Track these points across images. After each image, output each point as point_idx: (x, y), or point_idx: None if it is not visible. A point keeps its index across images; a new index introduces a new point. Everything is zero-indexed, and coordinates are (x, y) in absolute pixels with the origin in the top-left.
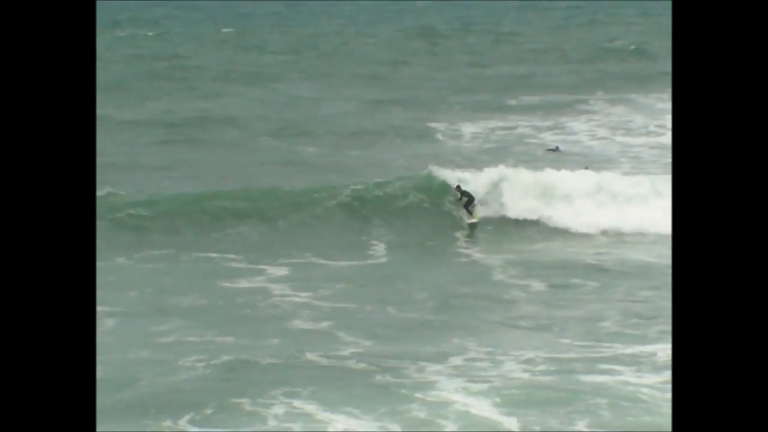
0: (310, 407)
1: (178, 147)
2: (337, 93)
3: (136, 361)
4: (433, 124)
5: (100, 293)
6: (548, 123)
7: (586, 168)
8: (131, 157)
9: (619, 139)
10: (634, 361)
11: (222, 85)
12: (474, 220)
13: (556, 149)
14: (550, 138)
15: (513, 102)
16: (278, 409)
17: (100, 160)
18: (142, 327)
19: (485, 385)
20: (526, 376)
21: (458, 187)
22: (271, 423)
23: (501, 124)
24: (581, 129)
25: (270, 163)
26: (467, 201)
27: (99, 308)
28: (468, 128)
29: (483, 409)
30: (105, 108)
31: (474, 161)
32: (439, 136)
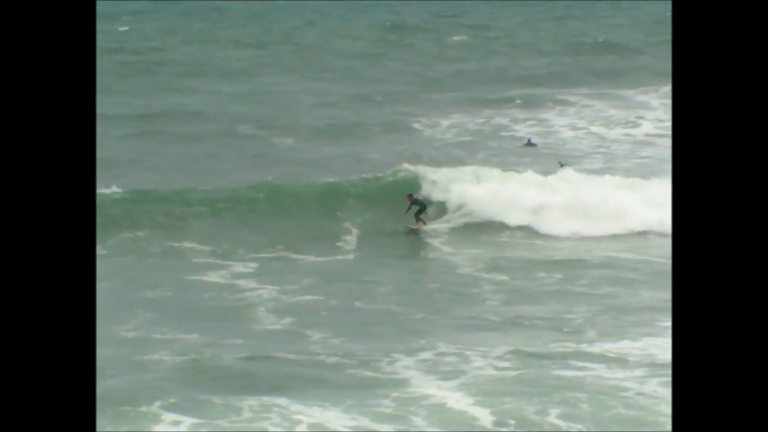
0: (282, 401)
1: (149, 140)
2: (312, 87)
3: (102, 356)
4: (408, 118)
5: None
6: (524, 116)
7: (561, 164)
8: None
9: (595, 131)
10: (606, 358)
11: (195, 80)
12: (416, 227)
13: (530, 143)
14: (526, 132)
15: (489, 96)
16: (250, 403)
17: None
18: (109, 321)
19: (456, 380)
20: (496, 370)
21: (410, 195)
22: (245, 415)
23: (476, 118)
24: (557, 123)
25: (244, 157)
26: (419, 209)
27: None
28: (444, 122)
29: (456, 402)
30: None
31: (449, 156)
32: (415, 130)
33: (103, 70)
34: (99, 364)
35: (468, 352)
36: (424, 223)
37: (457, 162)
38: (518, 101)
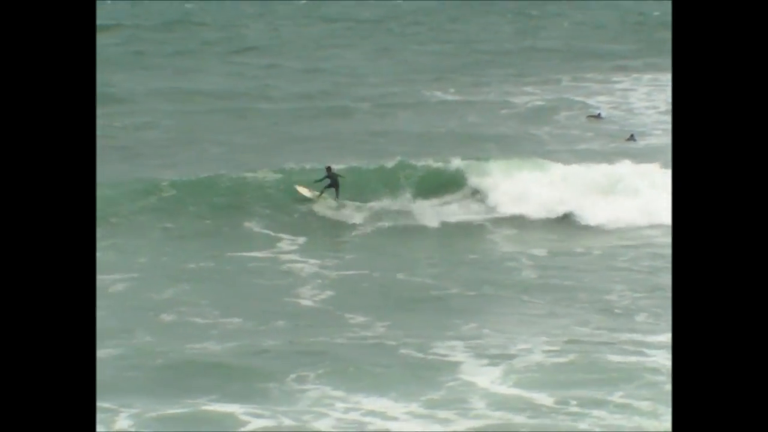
0: (327, 388)
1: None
2: (376, 63)
3: (147, 336)
4: (476, 92)
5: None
6: (596, 89)
7: (631, 137)
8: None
9: (662, 106)
10: (656, 343)
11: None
12: (308, 195)
13: (599, 116)
14: (596, 104)
15: (558, 70)
16: (303, 388)
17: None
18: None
19: (506, 364)
20: (545, 354)
21: (329, 168)
22: (304, 404)
23: (547, 93)
24: (627, 96)
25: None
26: (330, 183)
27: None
28: (516, 98)
29: (507, 387)
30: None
31: (516, 131)
32: (487, 103)
33: (179, 46)
34: (145, 348)
35: (515, 335)
36: (317, 192)
37: (523, 138)
38: (589, 75)
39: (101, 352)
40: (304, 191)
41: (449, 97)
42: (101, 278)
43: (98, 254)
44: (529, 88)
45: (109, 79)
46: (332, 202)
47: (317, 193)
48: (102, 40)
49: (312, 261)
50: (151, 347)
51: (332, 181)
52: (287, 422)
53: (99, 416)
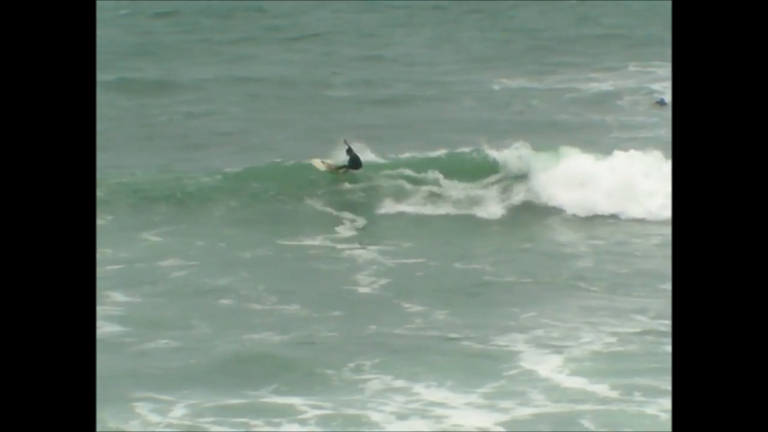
0: (387, 377)
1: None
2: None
3: (205, 326)
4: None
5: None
6: (656, 76)
7: (661, 101)
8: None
9: None
10: None
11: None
12: (323, 169)
13: (662, 102)
14: (658, 90)
15: (620, 59)
16: (364, 378)
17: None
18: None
19: (565, 353)
20: (605, 346)
21: (345, 141)
22: (363, 395)
23: (609, 80)
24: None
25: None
26: (351, 163)
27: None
28: (580, 84)
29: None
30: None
31: (581, 117)
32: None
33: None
34: (203, 338)
35: (575, 324)
36: (338, 169)
37: (586, 125)
38: (654, 61)
39: (158, 342)
40: (319, 165)
41: (513, 84)
42: (159, 264)
43: (156, 239)
44: (592, 75)
45: (170, 66)
46: (395, 187)
47: (335, 166)
48: (161, 27)
49: (371, 248)
50: (209, 337)
51: (353, 158)
52: (347, 412)
53: (155, 406)
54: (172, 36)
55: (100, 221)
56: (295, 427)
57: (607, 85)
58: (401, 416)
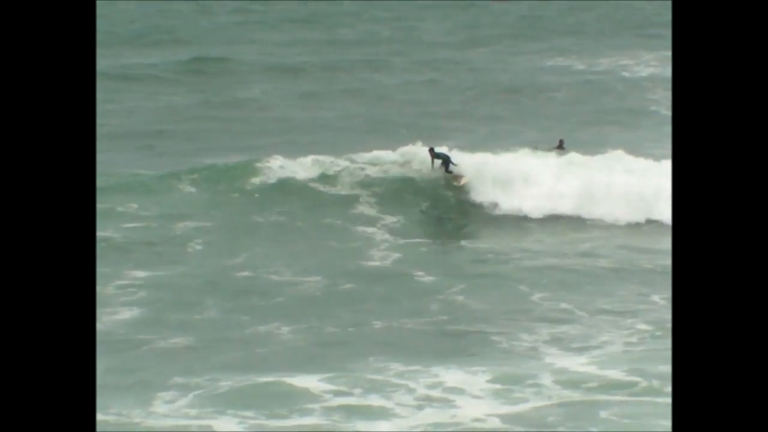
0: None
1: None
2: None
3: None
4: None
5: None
6: None
7: (560, 144)
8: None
9: None
10: None
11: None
12: (464, 181)
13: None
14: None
15: None
16: (393, 366)
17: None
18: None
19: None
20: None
21: (431, 149)
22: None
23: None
24: None
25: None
26: (444, 163)
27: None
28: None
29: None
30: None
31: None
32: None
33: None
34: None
35: (596, 320)
36: (456, 174)
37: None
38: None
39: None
40: (460, 181)
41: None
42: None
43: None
44: None
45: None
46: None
47: (454, 175)
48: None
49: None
50: (223, 320)
51: (443, 159)
52: (363, 394)
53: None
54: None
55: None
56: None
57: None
58: (421, 399)
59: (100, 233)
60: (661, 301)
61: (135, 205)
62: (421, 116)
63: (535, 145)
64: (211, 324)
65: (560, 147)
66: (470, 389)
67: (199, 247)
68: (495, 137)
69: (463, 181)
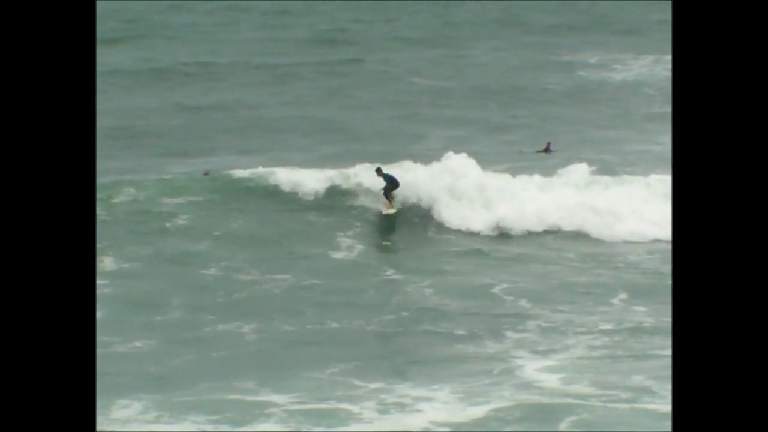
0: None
1: None
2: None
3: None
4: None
5: None
6: None
7: (547, 147)
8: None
9: None
10: None
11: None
12: (392, 211)
13: (548, 149)
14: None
15: None
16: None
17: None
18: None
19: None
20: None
21: (378, 169)
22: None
23: None
24: None
25: None
26: (388, 186)
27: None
28: None
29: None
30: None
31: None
32: None
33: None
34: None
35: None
36: (391, 201)
37: None
38: None
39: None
40: (388, 209)
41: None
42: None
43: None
44: None
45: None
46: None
47: (389, 201)
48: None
49: None
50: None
51: (390, 182)
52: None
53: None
54: None
55: None
56: None
57: None
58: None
59: None
60: (626, 305)
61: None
62: (402, 120)
63: (523, 148)
64: (173, 325)
65: (547, 150)
66: (435, 395)
67: (169, 251)
68: (483, 139)
69: (388, 211)
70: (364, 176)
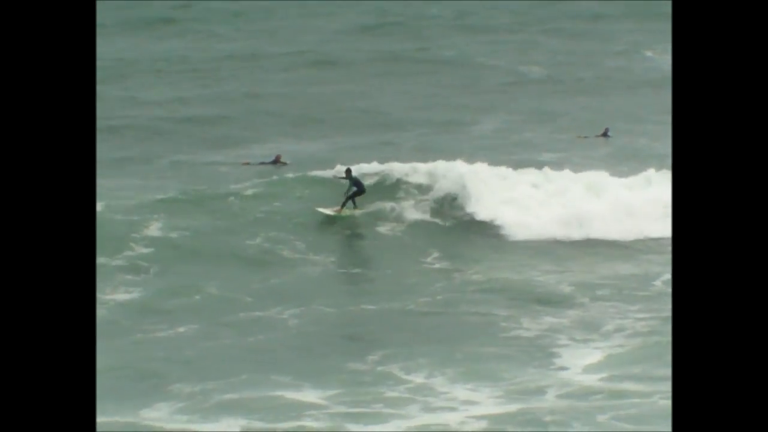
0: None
1: None
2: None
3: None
4: None
5: None
6: None
7: (605, 132)
8: None
9: None
10: None
11: None
12: (337, 214)
13: (606, 134)
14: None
15: None
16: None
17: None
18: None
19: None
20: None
21: (348, 170)
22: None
23: None
24: None
25: None
26: (355, 191)
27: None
28: None
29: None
30: None
31: None
32: None
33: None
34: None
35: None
36: (343, 205)
37: None
38: None
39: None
40: (325, 210)
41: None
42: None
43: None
44: None
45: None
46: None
47: (338, 208)
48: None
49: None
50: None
51: (357, 187)
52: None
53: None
54: None
55: None
56: None
57: None
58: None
59: None
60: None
61: None
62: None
63: (582, 133)
64: (211, 310)
65: (605, 135)
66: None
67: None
68: (539, 125)
69: (333, 213)
70: (405, 168)
